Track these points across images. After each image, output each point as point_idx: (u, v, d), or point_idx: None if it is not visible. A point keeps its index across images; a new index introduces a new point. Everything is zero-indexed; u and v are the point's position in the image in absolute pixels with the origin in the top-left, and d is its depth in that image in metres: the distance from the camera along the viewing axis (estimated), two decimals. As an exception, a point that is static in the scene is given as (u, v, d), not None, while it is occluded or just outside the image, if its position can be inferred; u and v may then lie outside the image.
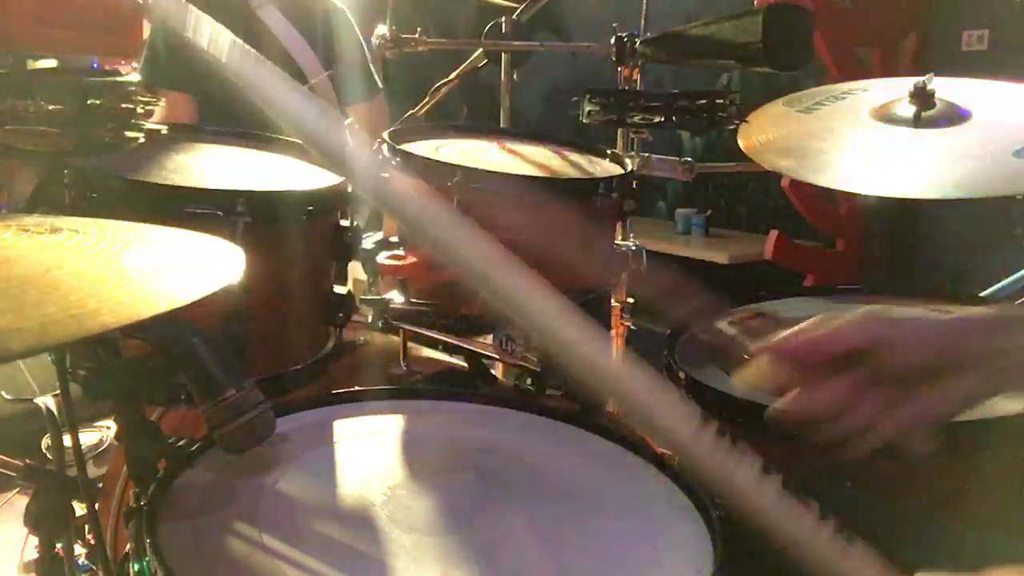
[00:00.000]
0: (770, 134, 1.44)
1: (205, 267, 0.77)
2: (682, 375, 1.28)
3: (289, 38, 2.23)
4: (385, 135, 1.33)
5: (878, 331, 0.78)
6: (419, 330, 1.33)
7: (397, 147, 1.30)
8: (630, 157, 1.50)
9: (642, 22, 1.62)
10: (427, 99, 2.06)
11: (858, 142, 1.36)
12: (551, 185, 1.31)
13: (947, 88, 1.41)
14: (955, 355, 0.77)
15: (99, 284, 0.64)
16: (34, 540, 0.90)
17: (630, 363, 0.67)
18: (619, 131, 1.60)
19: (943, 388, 0.76)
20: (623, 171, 1.40)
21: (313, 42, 2.28)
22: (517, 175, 1.28)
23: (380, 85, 2.47)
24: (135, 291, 0.64)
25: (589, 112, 1.44)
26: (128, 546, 0.87)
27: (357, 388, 1.17)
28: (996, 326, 0.80)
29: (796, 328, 0.81)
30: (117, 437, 0.96)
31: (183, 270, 0.75)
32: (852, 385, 0.77)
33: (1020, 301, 1.54)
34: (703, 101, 1.38)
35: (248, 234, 1.08)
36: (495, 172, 1.25)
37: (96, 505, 1.18)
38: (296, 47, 2.24)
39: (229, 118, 1.92)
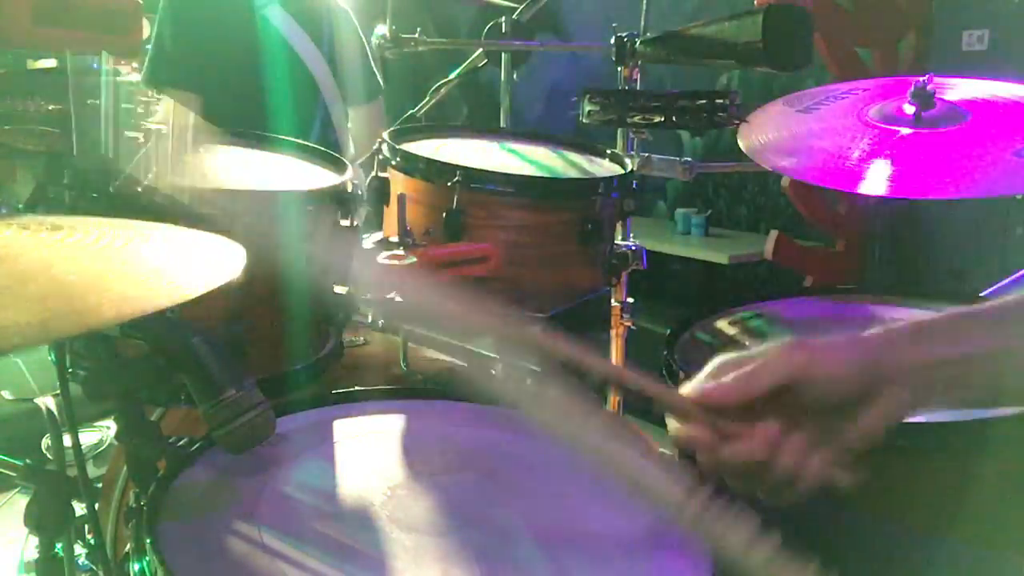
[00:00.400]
0: (770, 134, 1.44)
1: (205, 263, 0.77)
2: (682, 375, 1.28)
3: (294, 37, 2.24)
4: (385, 135, 1.33)
5: (796, 366, 0.75)
6: (419, 330, 1.33)
7: (397, 147, 1.29)
8: (630, 157, 1.50)
9: (642, 22, 1.62)
10: (427, 99, 2.06)
11: (858, 142, 1.36)
12: (551, 185, 1.31)
13: (947, 88, 1.41)
14: (874, 378, 0.74)
15: (100, 279, 0.65)
16: (34, 540, 0.89)
17: (621, 426, 0.65)
18: (619, 131, 1.60)
19: (864, 417, 0.75)
20: (623, 171, 1.40)
21: (318, 42, 2.28)
22: (517, 175, 1.28)
23: (382, 86, 2.47)
24: (136, 286, 0.64)
25: (589, 112, 1.44)
26: (128, 546, 0.87)
27: (357, 388, 1.17)
28: (918, 337, 0.78)
29: (711, 372, 0.78)
30: (117, 437, 0.96)
31: (183, 266, 0.75)
32: (774, 431, 0.74)
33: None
34: (703, 101, 1.38)
35: (248, 234, 1.08)
36: (495, 172, 1.25)
37: (96, 505, 1.18)
38: (301, 46, 2.25)
39: (232, 117, 1.92)
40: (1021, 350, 0.77)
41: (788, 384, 0.75)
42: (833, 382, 0.75)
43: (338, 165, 1.37)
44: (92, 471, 1.98)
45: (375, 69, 2.42)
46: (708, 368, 0.79)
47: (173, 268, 0.73)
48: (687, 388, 0.78)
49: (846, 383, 0.75)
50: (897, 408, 0.76)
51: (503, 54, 1.98)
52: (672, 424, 0.78)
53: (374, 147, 1.35)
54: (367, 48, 2.32)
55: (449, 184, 1.20)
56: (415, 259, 1.15)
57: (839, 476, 0.76)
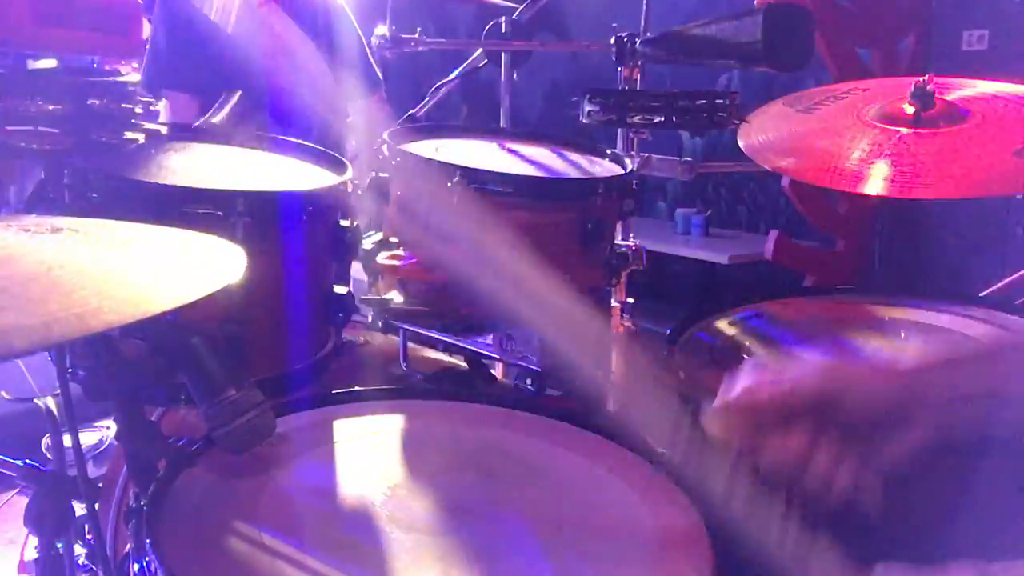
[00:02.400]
0: (770, 134, 1.43)
1: (206, 266, 0.77)
2: (682, 375, 1.28)
3: (292, 35, 2.24)
4: (385, 135, 1.33)
5: (836, 382, 0.78)
6: (419, 330, 1.33)
7: (397, 147, 1.29)
8: (630, 157, 1.50)
9: (642, 22, 1.62)
10: (427, 99, 2.06)
11: (858, 142, 1.36)
12: (551, 185, 1.31)
13: (947, 88, 1.41)
14: (907, 405, 0.77)
15: (101, 282, 0.65)
16: (34, 540, 0.90)
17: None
18: (619, 131, 1.60)
19: (892, 442, 0.77)
20: (623, 171, 1.40)
21: (316, 39, 2.28)
22: (517, 175, 1.28)
23: (381, 80, 2.47)
24: (137, 289, 0.64)
25: (589, 112, 1.44)
26: (128, 546, 0.87)
27: (357, 388, 1.17)
28: (951, 372, 0.80)
29: (750, 377, 0.81)
30: (117, 437, 0.96)
31: (184, 269, 0.75)
32: (805, 440, 0.77)
33: (1020, 301, 1.54)
34: (703, 101, 1.38)
35: (248, 234, 1.08)
36: (495, 172, 1.25)
37: (96, 505, 1.18)
38: (299, 44, 2.25)
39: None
40: None
41: (827, 399, 0.77)
42: (864, 406, 0.77)
43: (338, 165, 1.37)
44: (92, 471, 1.98)
45: (373, 62, 2.42)
46: (744, 374, 0.81)
47: (173, 270, 0.73)
48: (726, 396, 0.80)
49: (876, 407, 0.77)
50: (923, 435, 0.77)
51: (503, 54, 1.98)
52: (711, 426, 0.80)
53: (374, 146, 1.35)
54: (364, 43, 2.32)
55: (449, 184, 1.20)
56: (415, 259, 1.15)
57: (865, 492, 0.78)
